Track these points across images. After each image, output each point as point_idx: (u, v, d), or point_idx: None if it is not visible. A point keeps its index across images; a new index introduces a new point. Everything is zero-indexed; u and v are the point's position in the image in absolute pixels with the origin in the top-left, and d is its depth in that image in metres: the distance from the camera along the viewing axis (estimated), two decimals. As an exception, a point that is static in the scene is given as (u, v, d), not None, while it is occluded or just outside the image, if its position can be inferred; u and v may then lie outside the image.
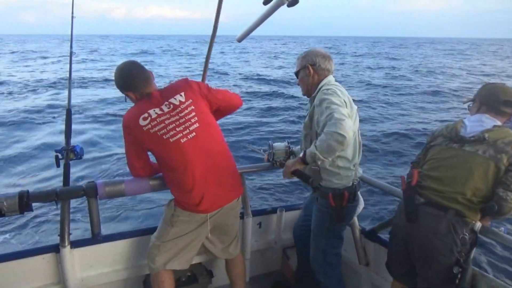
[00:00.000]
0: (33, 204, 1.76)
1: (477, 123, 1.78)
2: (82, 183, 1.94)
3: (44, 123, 10.64)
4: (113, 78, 1.89)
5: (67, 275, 1.96)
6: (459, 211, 1.66)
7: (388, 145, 8.82)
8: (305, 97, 2.13)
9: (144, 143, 1.81)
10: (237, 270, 2.20)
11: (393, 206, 5.30)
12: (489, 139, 1.67)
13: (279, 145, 2.17)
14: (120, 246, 2.13)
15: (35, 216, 4.98)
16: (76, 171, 6.41)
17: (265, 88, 17.33)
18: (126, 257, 2.16)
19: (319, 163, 1.78)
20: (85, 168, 6.83)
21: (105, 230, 2.08)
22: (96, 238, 2.04)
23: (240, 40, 1.94)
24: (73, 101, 2.31)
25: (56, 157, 2.04)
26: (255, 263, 2.56)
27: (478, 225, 1.66)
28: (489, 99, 1.81)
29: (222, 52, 46.47)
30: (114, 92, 14.08)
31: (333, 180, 1.93)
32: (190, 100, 1.86)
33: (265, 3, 1.56)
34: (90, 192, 1.87)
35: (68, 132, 2.12)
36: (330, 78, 1.99)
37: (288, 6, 1.51)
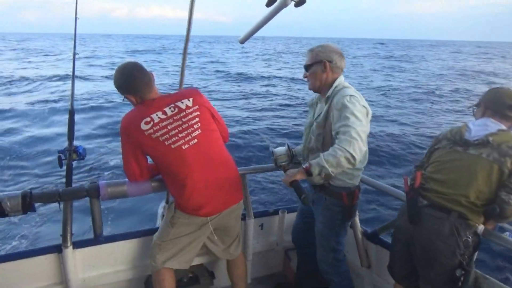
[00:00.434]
0: (36, 204, 1.77)
1: (482, 127, 1.77)
2: (85, 183, 1.94)
3: (48, 123, 10.69)
4: (113, 78, 1.85)
5: (69, 276, 1.96)
6: (462, 213, 1.66)
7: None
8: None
9: (144, 147, 1.78)
10: (238, 271, 2.20)
11: (391, 206, 5.29)
12: (494, 143, 1.67)
13: (280, 149, 2.17)
14: (122, 247, 2.13)
15: (38, 216, 4.99)
16: (78, 171, 6.43)
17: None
18: (128, 257, 2.17)
19: (323, 175, 1.74)
20: (87, 169, 6.84)
21: (106, 231, 2.09)
22: (98, 239, 2.05)
23: (242, 41, 1.93)
24: (76, 102, 2.31)
25: (59, 157, 2.05)
26: (257, 264, 2.56)
27: (481, 228, 1.66)
28: (494, 104, 1.80)
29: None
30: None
31: (346, 180, 1.95)
32: (197, 106, 1.87)
33: (267, 5, 1.56)
34: (93, 192, 1.87)
35: (71, 133, 2.12)
36: (342, 78, 1.99)
37: (296, 6, 1.50)
